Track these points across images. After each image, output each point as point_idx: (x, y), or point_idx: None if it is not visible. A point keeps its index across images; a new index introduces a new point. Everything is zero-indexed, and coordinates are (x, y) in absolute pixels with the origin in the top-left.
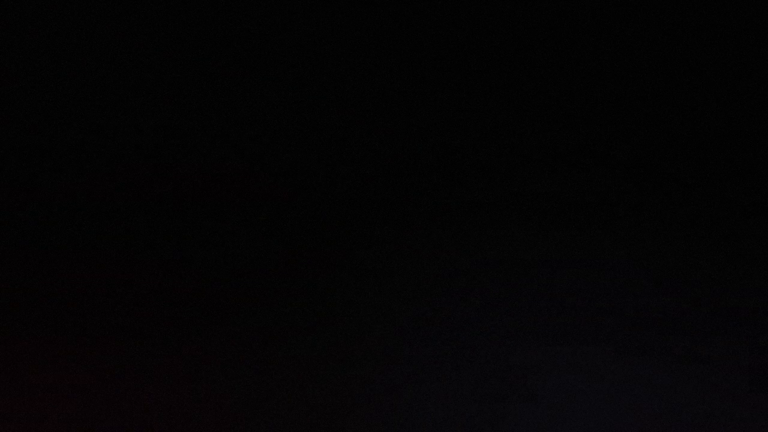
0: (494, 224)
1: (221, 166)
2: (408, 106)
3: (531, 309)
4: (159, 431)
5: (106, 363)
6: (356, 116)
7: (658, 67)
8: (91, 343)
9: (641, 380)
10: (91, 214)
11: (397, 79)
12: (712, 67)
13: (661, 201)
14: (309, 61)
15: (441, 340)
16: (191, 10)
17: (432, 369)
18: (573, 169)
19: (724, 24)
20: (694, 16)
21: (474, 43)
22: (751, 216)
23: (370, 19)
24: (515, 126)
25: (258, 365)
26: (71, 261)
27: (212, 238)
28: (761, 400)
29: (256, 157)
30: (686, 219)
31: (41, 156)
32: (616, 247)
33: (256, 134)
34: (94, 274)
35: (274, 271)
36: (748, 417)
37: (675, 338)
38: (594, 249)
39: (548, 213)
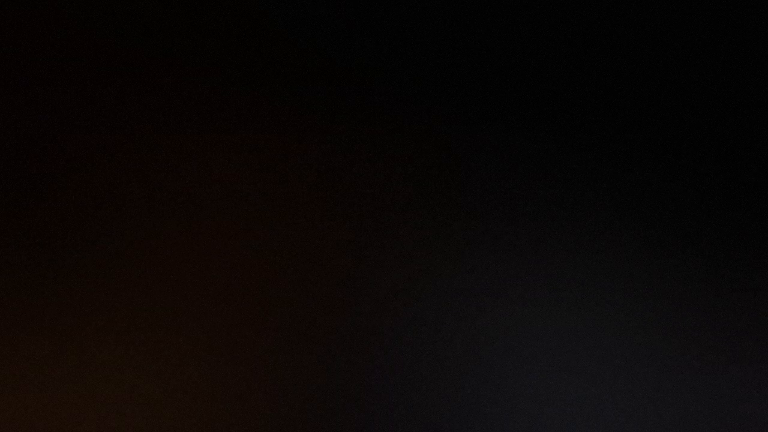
0: (495, 222)
1: (220, 162)
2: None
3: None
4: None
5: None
6: (354, 116)
7: (657, 69)
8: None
9: (644, 386)
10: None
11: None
12: (709, 68)
13: (663, 201)
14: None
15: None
16: None
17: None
18: (575, 168)
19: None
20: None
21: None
22: (753, 217)
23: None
24: (514, 129)
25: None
26: None
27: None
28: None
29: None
30: (690, 220)
31: None
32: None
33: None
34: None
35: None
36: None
37: (676, 342)
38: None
39: (548, 214)
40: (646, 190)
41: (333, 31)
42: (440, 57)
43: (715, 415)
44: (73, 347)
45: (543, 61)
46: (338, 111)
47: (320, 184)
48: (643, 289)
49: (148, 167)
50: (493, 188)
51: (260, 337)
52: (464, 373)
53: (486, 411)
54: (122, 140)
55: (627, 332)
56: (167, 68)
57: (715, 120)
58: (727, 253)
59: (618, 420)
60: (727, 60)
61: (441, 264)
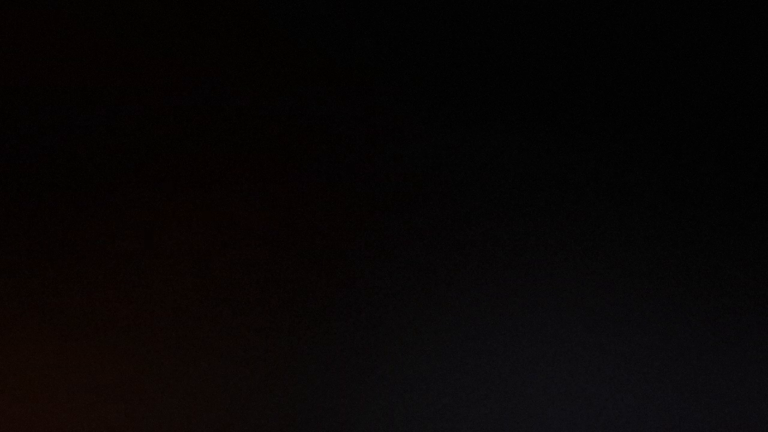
0: (495, 221)
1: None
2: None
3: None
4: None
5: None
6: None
7: (658, 66)
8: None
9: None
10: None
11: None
12: (709, 68)
13: (663, 201)
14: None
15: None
16: None
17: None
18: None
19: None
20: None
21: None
22: (753, 217)
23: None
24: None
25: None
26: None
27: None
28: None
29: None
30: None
31: None
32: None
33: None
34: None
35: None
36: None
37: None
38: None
39: (550, 210)
40: (646, 189)
41: (333, 31)
42: (440, 57)
43: (715, 415)
44: (73, 347)
45: (543, 61)
46: (338, 111)
47: (320, 184)
48: (643, 289)
49: (148, 167)
50: (493, 188)
51: (260, 337)
52: (464, 373)
53: (486, 411)
54: (122, 140)
55: (627, 332)
56: (167, 68)
57: (715, 120)
58: (727, 253)
59: (618, 420)
60: (727, 60)
61: (440, 264)
